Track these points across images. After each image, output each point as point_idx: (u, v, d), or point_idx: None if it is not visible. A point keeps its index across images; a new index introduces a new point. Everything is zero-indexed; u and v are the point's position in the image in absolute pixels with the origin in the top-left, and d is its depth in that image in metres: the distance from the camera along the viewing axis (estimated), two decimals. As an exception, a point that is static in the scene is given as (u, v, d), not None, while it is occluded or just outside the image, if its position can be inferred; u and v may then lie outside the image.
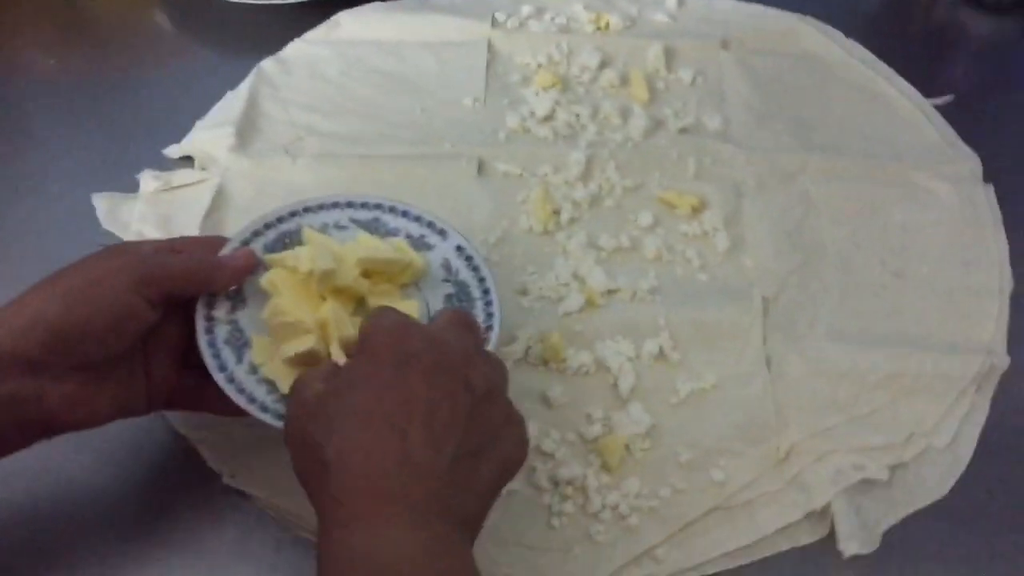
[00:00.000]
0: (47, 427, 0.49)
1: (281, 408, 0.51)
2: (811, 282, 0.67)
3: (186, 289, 0.52)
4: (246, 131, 0.76)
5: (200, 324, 0.53)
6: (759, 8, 0.91)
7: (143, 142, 0.77)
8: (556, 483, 0.57)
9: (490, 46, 0.85)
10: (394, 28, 0.86)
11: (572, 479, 0.57)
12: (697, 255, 0.69)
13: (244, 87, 0.80)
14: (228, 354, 0.52)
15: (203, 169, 0.74)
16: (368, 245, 0.57)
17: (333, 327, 0.52)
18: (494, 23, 0.87)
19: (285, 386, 0.51)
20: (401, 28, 0.86)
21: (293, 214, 0.58)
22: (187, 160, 0.76)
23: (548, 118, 0.79)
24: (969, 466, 0.60)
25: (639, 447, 0.59)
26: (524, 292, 0.66)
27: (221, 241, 0.56)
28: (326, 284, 0.53)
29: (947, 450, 0.60)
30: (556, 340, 0.62)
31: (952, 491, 0.59)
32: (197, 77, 0.84)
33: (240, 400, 0.51)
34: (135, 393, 0.52)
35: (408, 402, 0.43)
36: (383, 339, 0.46)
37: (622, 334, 0.64)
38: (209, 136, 0.75)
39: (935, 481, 0.59)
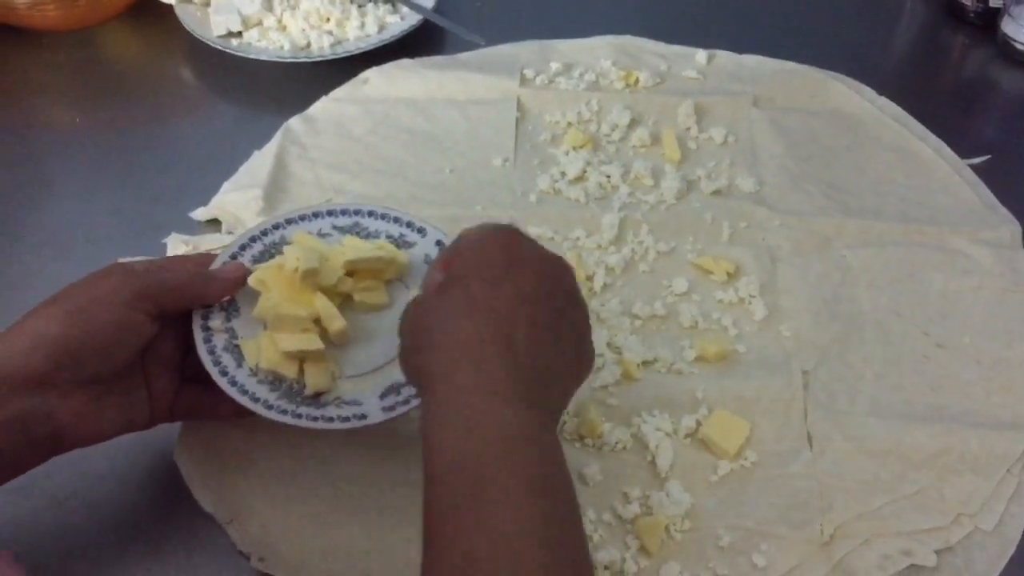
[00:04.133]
0: (57, 444, 0.51)
1: (284, 405, 0.53)
2: (851, 353, 0.66)
3: (182, 302, 0.55)
4: (273, 193, 0.75)
5: (199, 335, 0.55)
6: (788, 65, 0.90)
7: (169, 202, 0.76)
8: (593, 567, 0.56)
9: (519, 104, 0.84)
10: (422, 85, 0.86)
11: (610, 563, 0.55)
12: (733, 324, 0.68)
13: (271, 146, 0.80)
14: (228, 360, 0.55)
15: (230, 233, 0.73)
16: (354, 246, 0.60)
17: (325, 320, 0.56)
18: (523, 80, 0.86)
19: (288, 374, 0.55)
20: (429, 85, 0.86)
21: (277, 226, 0.62)
22: (214, 222, 0.75)
23: (579, 179, 0.78)
24: (1018, 548, 0.58)
25: (678, 529, 0.57)
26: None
27: (210, 258, 0.58)
28: (311, 282, 0.57)
29: (995, 532, 0.58)
30: (593, 416, 0.60)
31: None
32: (223, 135, 0.84)
33: (244, 400, 0.53)
34: (138, 407, 0.54)
35: (516, 296, 0.47)
36: (494, 240, 0.50)
37: (660, 408, 0.62)
38: (236, 199, 0.74)
39: (984, 566, 0.57)
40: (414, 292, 0.59)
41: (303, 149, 0.80)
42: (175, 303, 0.54)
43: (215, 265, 0.58)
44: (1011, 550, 0.58)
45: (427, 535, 0.43)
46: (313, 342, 0.56)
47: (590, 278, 0.70)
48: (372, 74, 0.87)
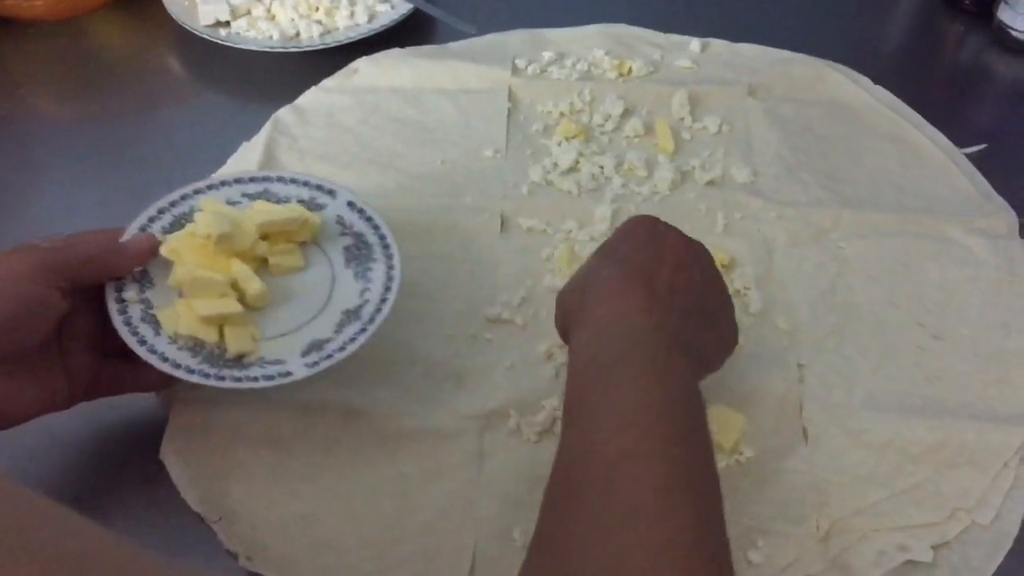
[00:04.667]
0: None
1: (207, 369, 0.54)
2: (847, 346, 0.65)
3: (93, 275, 0.55)
4: (263, 185, 0.74)
5: (113, 307, 0.55)
6: (784, 53, 0.89)
7: (156, 195, 0.73)
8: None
9: (511, 94, 0.83)
10: (412, 75, 0.85)
11: (604, 560, 0.55)
12: (728, 316, 0.67)
13: (260, 137, 0.79)
14: (146, 330, 0.55)
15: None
16: (265, 209, 0.61)
17: (243, 283, 0.57)
18: (514, 70, 0.85)
19: (209, 339, 0.56)
20: (419, 75, 0.85)
21: (185, 197, 0.62)
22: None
23: (572, 170, 0.77)
24: (1016, 543, 0.57)
25: (673, 524, 0.56)
26: (550, 358, 0.64)
27: (119, 231, 0.58)
28: (225, 248, 0.57)
29: (991, 527, 0.57)
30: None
31: (998, 570, 0.56)
32: (211, 126, 0.82)
33: (165, 367, 0.53)
34: (56, 386, 0.54)
35: (658, 259, 0.52)
36: (641, 223, 0.55)
37: (653, 402, 0.61)
38: (225, 191, 0.73)
39: (980, 561, 0.56)
40: (329, 253, 0.62)
41: (292, 140, 0.79)
42: (87, 276, 0.54)
43: (124, 238, 0.58)
44: (1008, 544, 0.57)
45: (563, 426, 0.48)
46: (231, 305, 0.56)
47: (583, 270, 0.69)
48: (362, 64, 0.86)
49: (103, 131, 0.82)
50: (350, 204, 0.64)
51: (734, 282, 0.68)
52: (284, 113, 0.81)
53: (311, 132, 0.80)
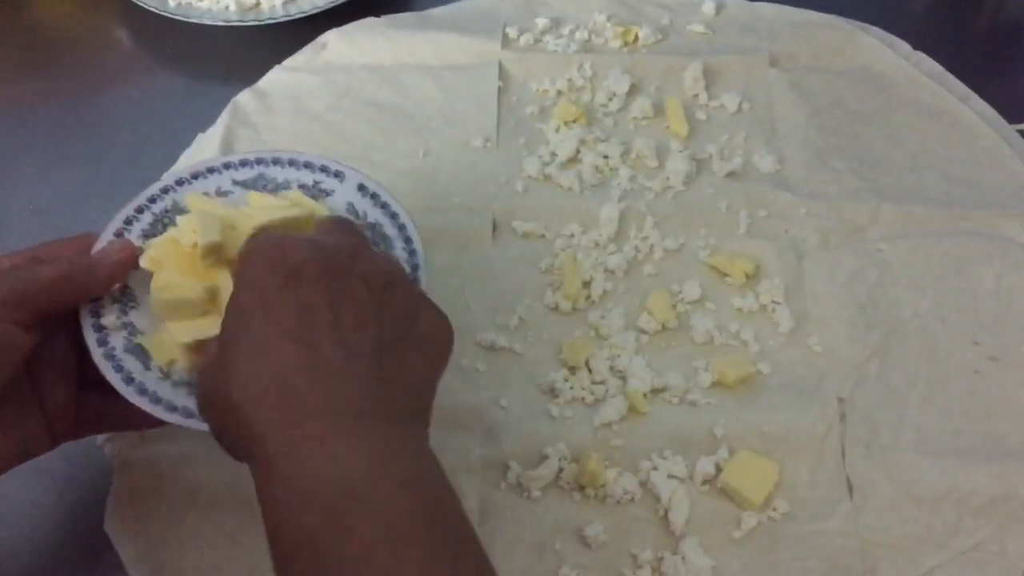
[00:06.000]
0: None
1: None
2: (892, 372, 0.57)
3: (61, 301, 0.45)
4: (220, 188, 0.65)
5: (91, 337, 0.46)
6: (809, 14, 0.79)
7: (99, 200, 0.66)
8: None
9: (501, 70, 0.73)
10: (389, 49, 0.75)
11: (619, 643, 0.47)
12: (754, 337, 0.58)
13: (217, 129, 0.69)
14: (132, 363, 0.46)
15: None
16: (262, 206, 0.50)
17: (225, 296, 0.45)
18: (505, 41, 0.75)
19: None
20: (397, 49, 0.75)
21: (166, 190, 0.52)
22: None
23: (572, 160, 0.67)
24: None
25: (697, 599, 0.49)
26: (552, 393, 0.56)
27: (91, 238, 0.49)
28: (215, 258, 0.47)
29: (1065, 589, 0.50)
30: (594, 464, 0.51)
31: (1072, 641, 0.49)
32: (162, 113, 0.73)
33: (158, 411, 0.45)
34: (33, 430, 0.46)
35: (306, 312, 0.39)
36: (262, 261, 0.41)
37: (672, 449, 0.53)
38: (176, 196, 0.64)
39: (1054, 632, 0.49)
40: None
41: (254, 131, 0.69)
42: (53, 303, 0.45)
43: (97, 247, 0.49)
44: (1084, 611, 0.50)
45: None
46: (216, 327, 0.45)
47: (587, 284, 0.61)
48: (332, 37, 0.75)
49: (42, 119, 0.73)
50: (361, 188, 0.54)
51: (760, 296, 0.60)
52: (244, 97, 0.71)
53: (275, 121, 0.70)
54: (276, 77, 0.73)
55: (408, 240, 0.52)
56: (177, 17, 0.76)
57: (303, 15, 0.76)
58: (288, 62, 0.74)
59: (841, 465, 0.53)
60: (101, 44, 0.80)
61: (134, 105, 0.74)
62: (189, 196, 0.51)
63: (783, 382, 0.56)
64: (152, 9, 0.76)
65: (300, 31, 0.76)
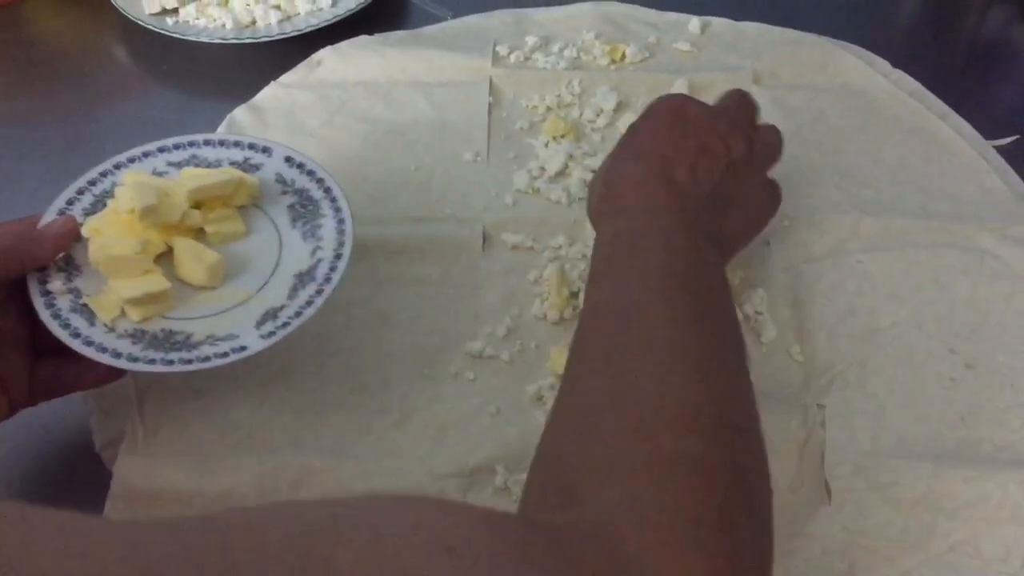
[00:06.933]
0: None
1: (152, 355, 0.49)
2: (871, 379, 0.58)
3: (9, 268, 0.50)
4: (216, 201, 0.66)
5: (39, 301, 0.50)
6: (791, 33, 0.81)
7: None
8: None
9: (492, 87, 0.75)
10: (382, 66, 0.76)
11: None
12: (738, 347, 0.60)
13: (213, 144, 0.70)
14: (78, 321, 0.50)
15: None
16: (194, 174, 0.56)
17: (195, 259, 0.52)
18: (495, 59, 0.77)
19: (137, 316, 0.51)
20: (390, 66, 0.76)
21: (105, 174, 0.57)
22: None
23: (561, 174, 0.69)
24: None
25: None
26: (540, 400, 0.57)
27: (36, 218, 0.54)
28: (152, 221, 0.52)
29: (1039, 591, 0.51)
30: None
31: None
32: (159, 128, 0.73)
33: (105, 358, 0.48)
34: None
35: (679, 147, 0.53)
36: (666, 107, 0.55)
37: (656, 454, 0.55)
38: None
39: (1028, 633, 0.50)
40: (272, 214, 0.57)
41: (249, 146, 0.71)
42: (2, 273, 0.49)
43: (42, 223, 0.53)
44: (1059, 613, 0.51)
45: (586, 293, 0.49)
46: (157, 282, 0.51)
47: (575, 295, 0.62)
48: (326, 54, 0.77)
49: (39, 135, 0.74)
50: (288, 159, 0.59)
51: (744, 306, 0.61)
52: (240, 113, 0.73)
53: (271, 136, 0.71)
54: (271, 93, 0.75)
55: (333, 199, 0.57)
56: (174, 35, 0.77)
57: (298, 33, 0.78)
58: (283, 79, 0.76)
59: (821, 470, 0.54)
60: (99, 61, 0.82)
61: (131, 121, 0.76)
62: (125, 174, 0.56)
63: (765, 390, 0.57)
64: (149, 27, 0.78)
65: (295, 49, 0.77)
